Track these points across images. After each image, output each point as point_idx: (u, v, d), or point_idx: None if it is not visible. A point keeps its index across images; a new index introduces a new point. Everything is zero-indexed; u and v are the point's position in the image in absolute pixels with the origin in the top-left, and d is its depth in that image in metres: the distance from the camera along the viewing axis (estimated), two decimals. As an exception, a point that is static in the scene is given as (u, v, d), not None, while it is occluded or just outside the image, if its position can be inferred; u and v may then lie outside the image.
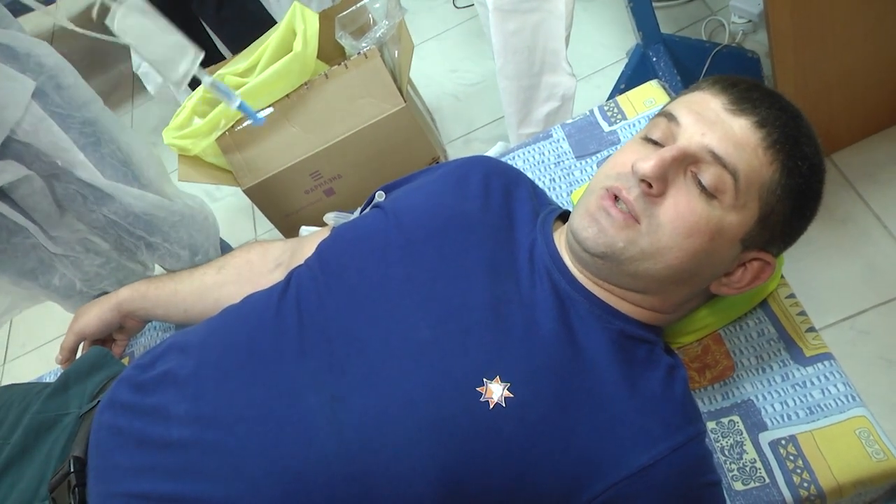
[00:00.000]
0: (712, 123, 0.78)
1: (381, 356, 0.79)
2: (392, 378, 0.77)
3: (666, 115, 0.82)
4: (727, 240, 0.79)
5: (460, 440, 0.73)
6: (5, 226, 1.37)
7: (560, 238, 0.90)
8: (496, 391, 0.74)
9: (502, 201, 0.94)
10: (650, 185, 0.76)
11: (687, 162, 0.77)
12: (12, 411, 1.01)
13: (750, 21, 2.17)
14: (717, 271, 0.83)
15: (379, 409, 0.76)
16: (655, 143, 0.81)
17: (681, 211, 0.76)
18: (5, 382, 2.49)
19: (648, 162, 0.76)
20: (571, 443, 0.74)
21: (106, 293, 1.25)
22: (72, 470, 0.88)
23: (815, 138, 0.81)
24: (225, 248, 1.91)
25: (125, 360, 1.26)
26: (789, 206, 0.79)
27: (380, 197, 1.05)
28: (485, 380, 0.75)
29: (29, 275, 1.43)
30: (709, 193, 0.76)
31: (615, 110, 1.32)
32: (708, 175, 0.76)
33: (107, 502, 0.84)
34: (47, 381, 1.26)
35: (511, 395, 0.74)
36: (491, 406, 0.73)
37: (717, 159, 0.76)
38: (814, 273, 1.63)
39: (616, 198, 0.79)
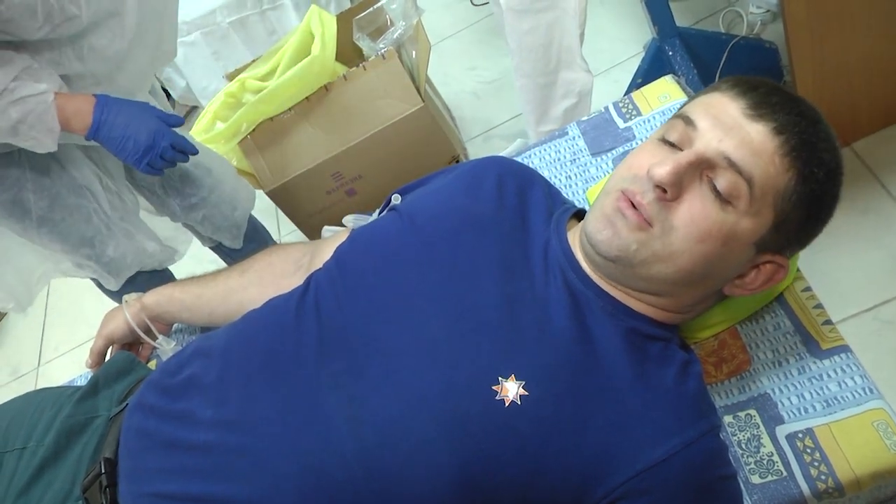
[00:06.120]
0: (729, 129, 0.77)
1: (397, 357, 0.81)
2: (408, 378, 0.79)
3: (683, 117, 0.82)
4: (740, 244, 0.79)
5: (476, 438, 0.75)
6: (74, 188, 1.40)
7: (574, 237, 0.90)
8: (511, 389, 0.75)
9: (516, 201, 0.95)
10: (665, 191, 0.76)
11: (703, 167, 0.77)
12: (45, 415, 1.05)
13: (768, 11, 2.14)
14: (729, 274, 0.83)
15: (396, 409, 0.77)
16: (672, 144, 0.81)
17: (694, 216, 0.77)
18: (41, 384, 2.55)
19: (664, 168, 0.75)
20: (585, 439, 0.75)
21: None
22: (103, 471, 0.91)
23: (835, 142, 0.81)
24: (254, 223, 1.93)
25: (152, 364, 1.29)
26: (804, 212, 0.79)
27: (396, 199, 1.06)
28: (500, 378, 0.76)
29: (88, 242, 1.45)
30: (723, 199, 0.76)
31: (630, 106, 1.32)
32: (723, 181, 0.76)
33: (136, 502, 0.87)
34: (78, 384, 1.29)
35: (526, 393, 0.75)
36: (506, 404, 0.75)
37: (733, 165, 0.76)
38: (836, 264, 1.61)
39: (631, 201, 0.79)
